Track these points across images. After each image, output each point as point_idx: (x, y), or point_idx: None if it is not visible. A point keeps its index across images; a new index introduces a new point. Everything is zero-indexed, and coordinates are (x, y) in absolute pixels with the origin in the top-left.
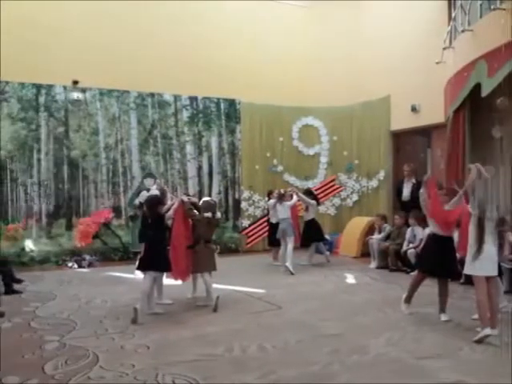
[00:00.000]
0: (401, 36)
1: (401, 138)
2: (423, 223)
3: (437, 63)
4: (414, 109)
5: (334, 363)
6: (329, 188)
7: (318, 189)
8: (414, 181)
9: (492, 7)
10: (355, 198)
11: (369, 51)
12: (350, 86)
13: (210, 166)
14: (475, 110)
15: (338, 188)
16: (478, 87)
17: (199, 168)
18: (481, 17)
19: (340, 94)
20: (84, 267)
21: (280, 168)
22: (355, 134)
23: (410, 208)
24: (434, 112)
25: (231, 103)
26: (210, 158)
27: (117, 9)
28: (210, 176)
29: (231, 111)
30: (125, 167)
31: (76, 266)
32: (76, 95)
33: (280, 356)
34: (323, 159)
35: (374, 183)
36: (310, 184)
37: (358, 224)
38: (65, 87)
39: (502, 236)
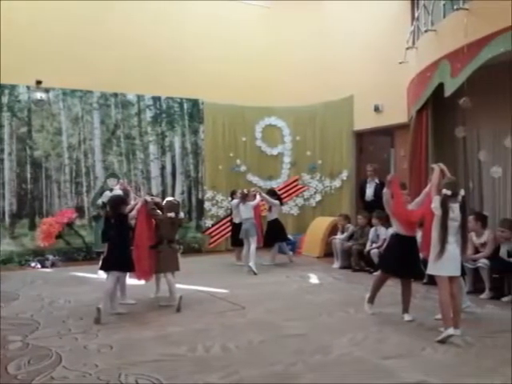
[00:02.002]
0: (363, 36)
1: (364, 138)
2: (386, 223)
3: (400, 63)
4: (376, 109)
5: (297, 363)
6: (292, 188)
7: (282, 189)
8: (377, 181)
9: (455, 7)
10: (318, 198)
11: (331, 51)
12: (313, 85)
13: (173, 165)
14: (438, 110)
15: (301, 188)
16: (440, 87)
17: (162, 168)
18: (444, 17)
19: (303, 94)
20: (47, 267)
21: (243, 168)
22: (318, 134)
23: (373, 208)
24: (397, 112)
25: (194, 103)
26: (173, 157)
27: (80, 9)
28: (173, 176)
29: (194, 111)
30: (88, 167)
31: (39, 265)
32: (39, 95)
33: (243, 356)
34: (286, 159)
35: (337, 183)
36: (274, 184)
37: (321, 224)
38: (28, 87)
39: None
